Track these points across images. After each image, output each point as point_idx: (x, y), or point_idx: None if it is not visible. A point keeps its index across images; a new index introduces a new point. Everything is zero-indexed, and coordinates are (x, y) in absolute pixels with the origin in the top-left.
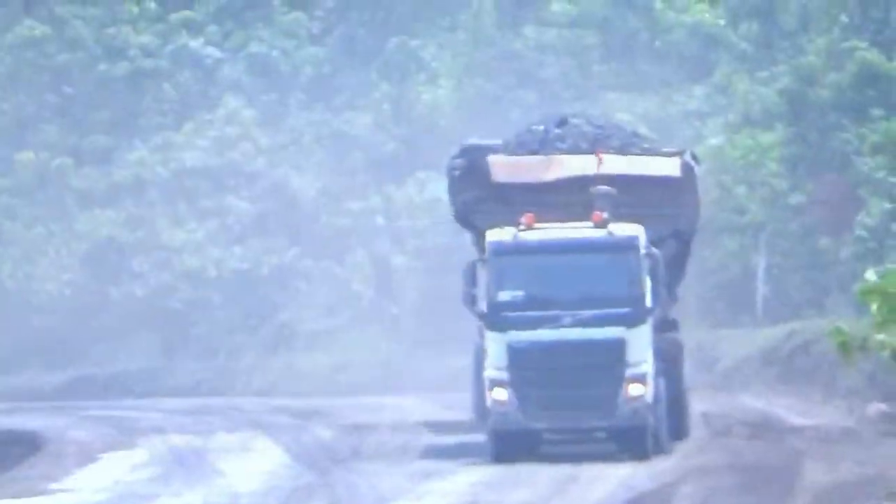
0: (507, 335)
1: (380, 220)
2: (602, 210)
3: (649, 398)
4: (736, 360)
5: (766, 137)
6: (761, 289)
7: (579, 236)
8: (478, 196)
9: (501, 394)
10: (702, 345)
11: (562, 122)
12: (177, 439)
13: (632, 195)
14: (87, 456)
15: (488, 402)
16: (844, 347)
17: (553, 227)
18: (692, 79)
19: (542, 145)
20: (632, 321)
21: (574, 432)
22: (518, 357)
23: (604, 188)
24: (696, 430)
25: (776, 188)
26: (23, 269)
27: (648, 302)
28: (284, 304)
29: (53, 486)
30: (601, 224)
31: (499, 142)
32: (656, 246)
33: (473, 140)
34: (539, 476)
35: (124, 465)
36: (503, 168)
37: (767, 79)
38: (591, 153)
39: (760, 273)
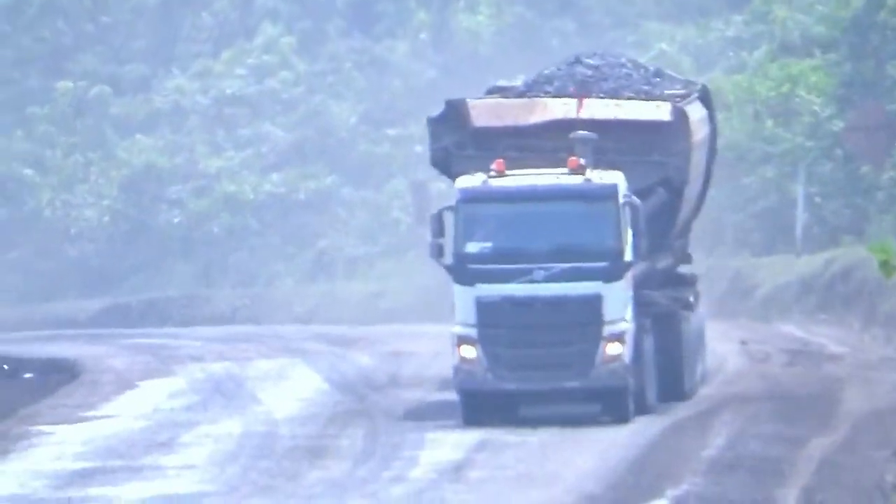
0: (475, 289)
1: (418, 147)
2: (581, 156)
3: (628, 358)
4: (775, 287)
5: (803, 65)
6: (800, 216)
7: (553, 183)
8: (457, 141)
9: (469, 351)
10: (740, 273)
11: (575, 62)
12: (215, 367)
13: (617, 141)
14: (124, 383)
15: (455, 360)
16: (885, 266)
17: (525, 173)
18: (732, 6)
19: (528, 87)
20: (609, 276)
21: (547, 394)
22: (487, 313)
23: (583, 133)
24: (735, 358)
25: (817, 115)
26: (61, 197)
27: (628, 255)
28: (323, 231)
29: (91, 413)
30: (578, 170)
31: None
32: (644, 195)
33: (502, 82)
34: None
35: (162, 392)
36: (483, 111)
37: (806, 7)
38: (578, 96)
39: (800, 200)
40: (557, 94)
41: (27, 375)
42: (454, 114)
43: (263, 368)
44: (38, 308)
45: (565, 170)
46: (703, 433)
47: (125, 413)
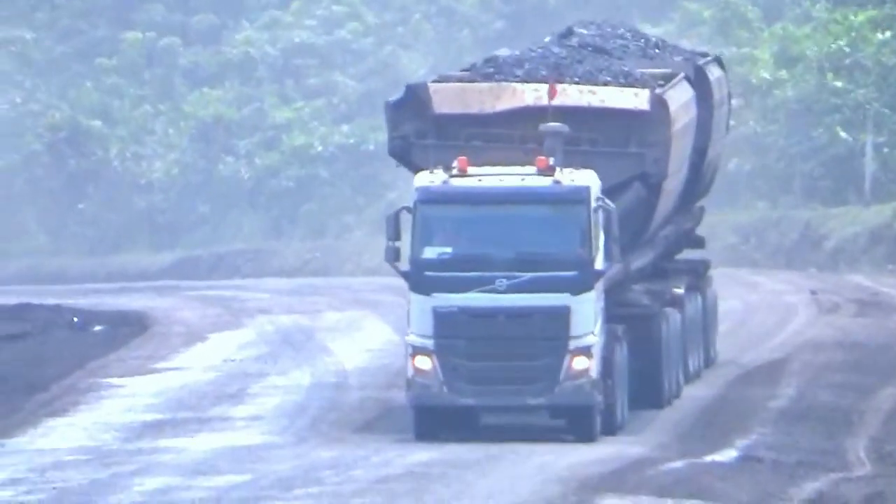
0: (432, 298)
1: None
2: (551, 151)
3: (595, 373)
4: (843, 238)
5: (861, 17)
6: (869, 166)
7: (520, 185)
8: (417, 129)
9: (425, 363)
10: (810, 223)
11: (567, 34)
12: (284, 319)
13: (591, 130)
14: (194, 335)
15: (409, 373)
16: None
17: (490, 173)
18: None
19: (498, 71)
20: (578, 287)
21: (508, 410)
22: (444, 324)
23: (554, 125)
24: (805, 309)
25: (886, 64)
26: (130, 149)
27: (599, 264)
28: (392, 182)
29: (161, 365)
30: (546, 171)
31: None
32: (619, 190)
33: (503, 51)
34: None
35: (232, 344)
36: (446, 97)
37: None
38: (549, 81)
39: (868, 151)
40: (527, 79)
41: (97, 328)
42: (414, 99)
43: (333, 320)
44: (108, 260)
45: (533, 170)
46: (772, 383)
47: (195, 365)
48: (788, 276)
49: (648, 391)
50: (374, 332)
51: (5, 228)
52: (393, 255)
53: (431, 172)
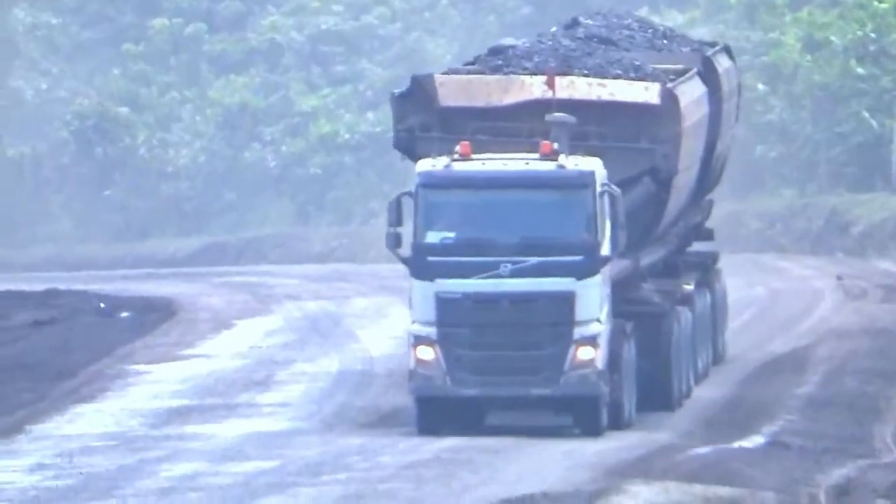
0: (434, 284)
1: None
2: (557, 140)
3: (601, 363)
4: (871, 224)
5: (886, 4)
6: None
7: (523, 169)
8: (422, 122)
9: (427, 353)
10: (836, 209)
11: (573, 24)
12: (311, 305)
13: (600, 125)
14: (221, 322)
15: (411, 363)
16: None
17: (493, 157)
18: None
19: (507, 63)
20: (583, 272)
21: (511, 401)
22: (447, 311)
23: (560, 115)
24: (832, 294)
25: None
26: (157, 136)
27: (605, 249)
28: None
29: (188, 352)
30: (551, 156)
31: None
32: (628, 185)
33: (508, 40)
34: None
35: (259, 330)
36: (452, 89)
37: None
38: (559, 74)
39: (895, 137)
40: (536, 72)
41: (124, 314)
42: (420, 91)
43: (360, 307)
44: (135, 247)
45: (537, 155)
46: (798, 370)
47: (222, 352)
48: (815, 261)
49: (658, 392)
50: (400, 319)
51: (32, 215)
52: (394, 242)
53: (434, 158)
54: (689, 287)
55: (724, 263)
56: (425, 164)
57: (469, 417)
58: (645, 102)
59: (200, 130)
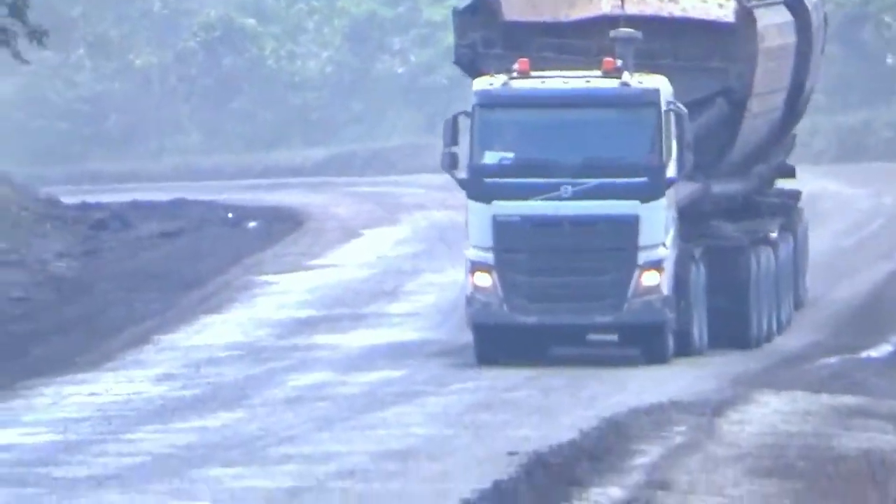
0: (491, 207)
1: None
2: (622, 57)
3: (666, 289)
4: None
5: None
6: None
7: (584, 87)
8: (485, 37)
9: (484, 279)
10: None
11: None
12: (438, 215)
13: (671, 43)
14: (349, 232)
15: (467, 290)
16: None
17: (553, 75)
18: None
19: None
20: (648, 194)
21: (572, 329)
22: (504, 235)
23: (625, 31)
24: None
25: None
26: (285, 46)
27: (671, 171)
28: None
29: (315, 262)
30: (614, 73)
31: None
32: (700, 106)
33: None
34: None
35: (387, 240)
36: (517, 3)
37: None
38: None
39: None
40: None
41: (251, 224)
42: (484, 5)
43: None
44: (262, 157)
45: (599, 72)
46: None
47: (349, 262)
48: None
49: (735, 330)
50: None
51: (160, 126)
52: (450, 162)
53: (492, 76)
54: (773, 234)
55: (853, 172)
56: (482, 83)
57: (529, 347)
58: (719, 20)
59: (328, 41)
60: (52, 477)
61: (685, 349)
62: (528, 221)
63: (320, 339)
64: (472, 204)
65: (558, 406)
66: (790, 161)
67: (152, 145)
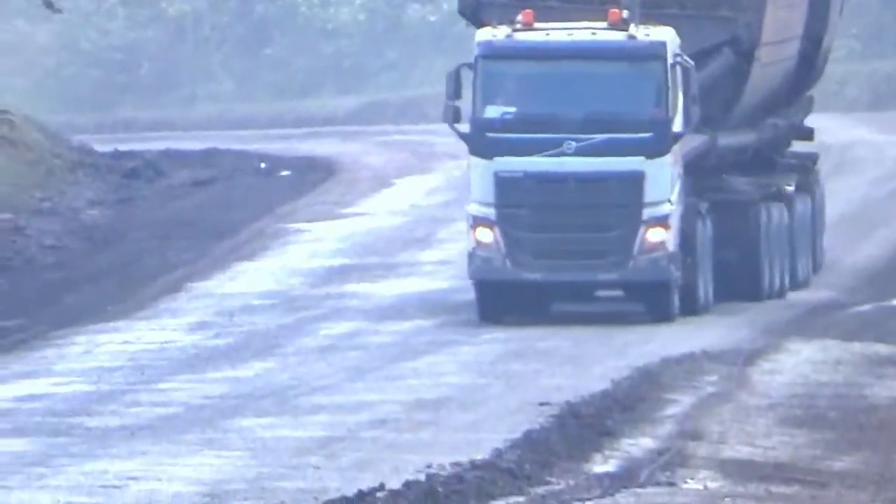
0: (493, 162)
1: None
2: (628, 8)
3: (672, 246)
4: None
5: None
6: None
7: (590, 39)
8: None
9: (486, 235)
10: None
11: None
12: None
13: None
14: (381, 181)
15: (469, 245)
16: None
17: (557, 27)
18: None
19: None
20: (654, 149)
21: (576, 286)
22: (507, 190)
23: None
24: None
25: None
26: None
27: (677, 126)
28: None
29: (348, 210)
30: (619, 25)
31: None
32: (706, 57)
33: None
34: None
35: (419, 189)
36: None
37: None
38: None
39: None
40: None
41: (284, 173)
42: None
43: None
44: (294, 105)
45: (604, 24)
46: None
47: (381, 210)
48: None
49: (746, 283)
50: None
51: (193, 74)
52: (452, 116)
53: (495, 27)
54: (790, 187)
55: (887, 120)
56: (485, 34)
57: (532, 304)
58: None
59: None
60: (85, 427)
61: (691, 306)
62: (531, 178)
63: (352, 287)
64: (474, 159)
65: (590, 356)
66: (812, 121)
67: (185, 94)
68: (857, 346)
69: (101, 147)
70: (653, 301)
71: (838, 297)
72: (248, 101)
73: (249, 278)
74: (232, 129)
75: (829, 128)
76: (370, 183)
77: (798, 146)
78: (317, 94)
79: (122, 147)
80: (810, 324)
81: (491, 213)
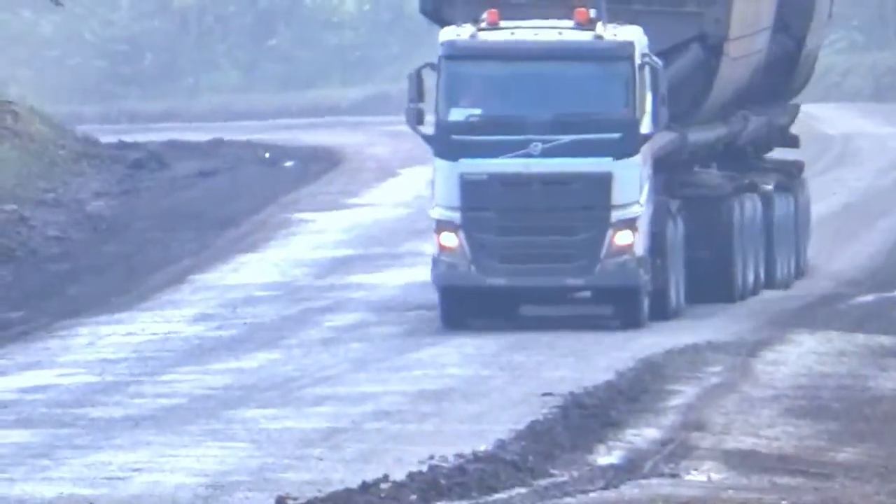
0: (458, 164)
1: None
2: (594, 7)
3: (641, 249)
4: None
5: None
6: None
7: (556, 39)
8: None
9: (450, 240)
10: None
11: None
12: None
13: None
14: (385, 171)
15: (434, 250)
16: None
17: (523, 26)
18: None
19: None
20: (621, 150)
21: (542, 292)
22: (472, 193)
23: None
24: None
25: None
26: None
27: (645, 127)
28: None
29: (353, 200)
30: (586, 24)
31: None
32: (675, 53)
33: None
34: None
35: (423, 179)
36: None
37: None
38: None
39: None
40: None
41: (288, 163)
42: None
43: None
44: (299, 96)
45: (571, 23)
46: None
47: (386, 201)
48: None
49: (718, 283)
50: None
51: (197, 65)
52: (415, 118)
53: (459, 26)
54: (768, 186)
55: (889, 111)
56: (449, 33)
57: (498, 310)
58: None
59: None
60: (89, 418)
61: (661, 310)
62: (497, 180)
63: (356, 278)
64: (439, 161)
65: (594, 347)
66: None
67: (189, 84)
68: (860, 338)
69: (106, 138)
70: (622, 307)
71: (842, 288)
72: (253, 92)
73: (253, 269)
74: (236, 119)
75: (831, 119)
76: (375, 173)
77: (787, 154)
78: (321, 84)
79: (127, 138)
80: (814, 315)
81: (456, 216)
